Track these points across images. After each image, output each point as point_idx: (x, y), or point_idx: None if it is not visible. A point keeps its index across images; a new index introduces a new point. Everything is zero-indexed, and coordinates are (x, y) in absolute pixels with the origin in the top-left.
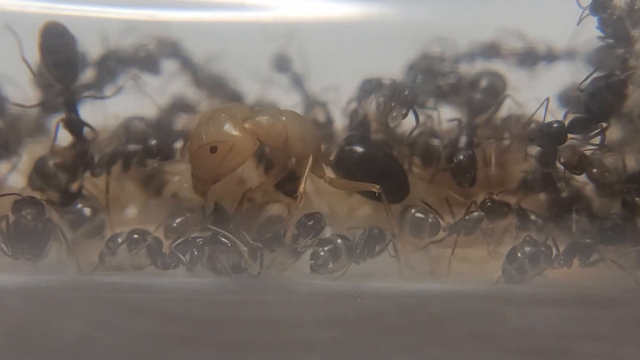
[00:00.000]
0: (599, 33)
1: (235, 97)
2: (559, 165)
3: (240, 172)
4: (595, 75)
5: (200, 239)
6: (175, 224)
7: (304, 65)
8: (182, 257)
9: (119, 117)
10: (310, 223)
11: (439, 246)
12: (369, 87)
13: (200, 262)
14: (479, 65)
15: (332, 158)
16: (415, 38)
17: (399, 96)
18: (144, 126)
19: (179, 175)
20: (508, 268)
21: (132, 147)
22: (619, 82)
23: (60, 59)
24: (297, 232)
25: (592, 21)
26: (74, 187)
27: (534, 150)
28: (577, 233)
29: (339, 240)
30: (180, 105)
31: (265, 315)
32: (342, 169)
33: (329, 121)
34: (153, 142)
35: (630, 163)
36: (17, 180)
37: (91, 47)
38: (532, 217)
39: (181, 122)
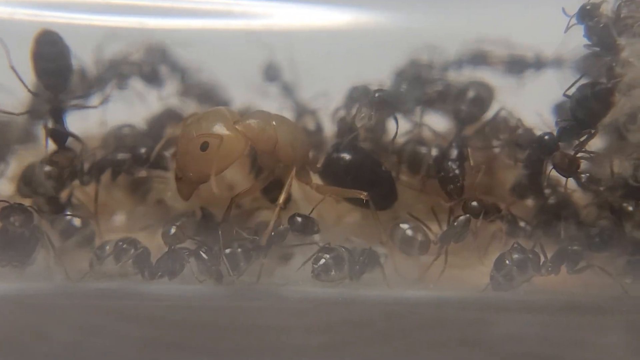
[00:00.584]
0: (586, 41)
1: (223, 106)
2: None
3: (230, 178)
4: (581, 82)
5: (186, 251)
6: (172, 231)
7: (293, 73)
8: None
9: (106, 125)
10: (303, 221)
11: (428, 253)
12: (357, 94)
13: (183, 272)
14: (467, 73)
15: (319, 165)
16: (405, 46)
17: (368, 97)
18: (134, 134)
19: (164, 183)
20: (496, 275)
21: (121, 156)
22: (605, 91)
23: (51, 67)
24: (289, 226)
25: (581, 29)
26: (63, 195)
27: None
28: (564, 240)
29: (344, 251)
30: (169, 114)
31: (256, 321)
32: (330, 176)
33: (319, 129)
34: (142, 150)
35: (618, 170)
36: (5, 188)
37: (79, 55)
38: (521, 224)
39: (170, 130)
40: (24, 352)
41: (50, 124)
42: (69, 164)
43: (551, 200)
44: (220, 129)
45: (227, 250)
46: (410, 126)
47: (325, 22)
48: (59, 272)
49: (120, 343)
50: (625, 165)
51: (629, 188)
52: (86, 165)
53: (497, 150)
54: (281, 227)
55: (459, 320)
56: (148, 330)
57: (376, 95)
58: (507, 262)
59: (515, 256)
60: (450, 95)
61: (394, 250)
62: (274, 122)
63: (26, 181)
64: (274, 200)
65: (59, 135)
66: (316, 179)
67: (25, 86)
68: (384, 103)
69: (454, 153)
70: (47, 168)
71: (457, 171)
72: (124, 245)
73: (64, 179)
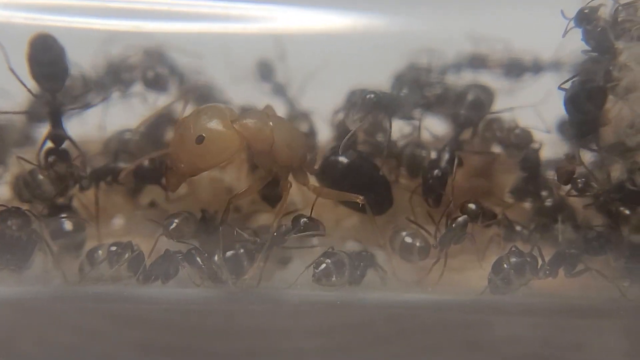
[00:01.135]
0: (584, 45)
1: None
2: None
3: (229, 181)
4: (576, 80)
5: (179, 254)
6: (173, 225)
7: (291, 76)
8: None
9: (104, 129)
10: (307, 221)
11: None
12: (355, 98)
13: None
14: (466, 76)
15: (316, 167)
16: (404, 49)
17: (362, 99)
18: (135, 139)
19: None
20: (494, 278)
21: (122, 164)
22: (598, 90)
23: (48, 70)
24: (291, 226)
25: (579, 33)
26: (62, 199)
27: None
28: (562, 243)
29: (346, 257)
30: (168, 118)
31: (254, 325)
32: (327, 179)
33: (313, 131)
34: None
35: (615, 174)
36: (3, 191)
37: (77, 58)
38: (518, 227)
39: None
40: (21, 356)
41: (48, 127)
42: (67, 168)
43: (548, 204)
44: (218, 125)
45: (229, 253)
46: (410, 129)
47: (324, 26)
48: (56, 276)
49: (119, 346)
50: (622, 169)
51: (626, 192)
52: (85, 170)
53: (495, 153)
54: (283, 227)
55: (457, 323)
56: (146, 334)
57: (367, 97)
58: (505, 265)
59: (513, 259)
60: (449, 99)
61: (393, 254)
62: (271, 123)
63: (24, 185)
64: (271, 200)
65: (58, 138)
66: (313, 181)
67: (25, 87)
68: (378, 105)
69: (444, 158)
70: (45, 172)
71: (438, 180)
72: (117, 249)
73: (63, 183)
